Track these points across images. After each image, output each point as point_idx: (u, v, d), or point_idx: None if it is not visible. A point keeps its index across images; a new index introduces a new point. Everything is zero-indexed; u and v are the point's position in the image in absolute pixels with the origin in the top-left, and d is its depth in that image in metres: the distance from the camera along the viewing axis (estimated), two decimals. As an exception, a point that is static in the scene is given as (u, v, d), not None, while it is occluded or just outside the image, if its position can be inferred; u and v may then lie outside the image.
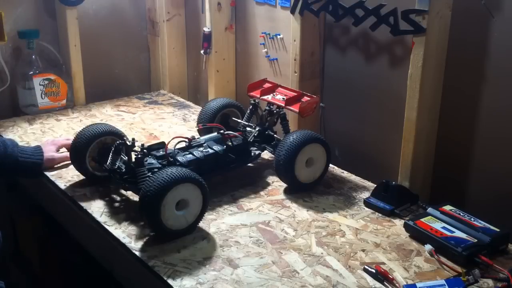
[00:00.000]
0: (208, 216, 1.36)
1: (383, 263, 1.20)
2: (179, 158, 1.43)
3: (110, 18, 2.23)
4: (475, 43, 1.37)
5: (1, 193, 1.98)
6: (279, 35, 1.85)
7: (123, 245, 1.27)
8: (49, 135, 1.85)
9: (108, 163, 1.43)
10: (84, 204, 1.43)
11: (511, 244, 1.27)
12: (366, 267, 1.17)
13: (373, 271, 1.16)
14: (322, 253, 1.24)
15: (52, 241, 1.92)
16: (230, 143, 1.51)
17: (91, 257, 1.47)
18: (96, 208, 1.41)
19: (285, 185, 1.52)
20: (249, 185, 1.54)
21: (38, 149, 1.58)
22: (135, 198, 1.42)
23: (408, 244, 1.28)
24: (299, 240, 1.29)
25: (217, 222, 1.36)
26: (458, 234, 1.25)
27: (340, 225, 1.35)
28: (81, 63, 2.10)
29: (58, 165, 1.62)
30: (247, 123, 1.65)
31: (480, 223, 1.28)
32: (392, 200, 1.41)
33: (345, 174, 1.63)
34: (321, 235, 1.30)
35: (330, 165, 1.58)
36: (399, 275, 1.16)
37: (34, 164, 1.55)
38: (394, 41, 1.52)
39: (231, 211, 1.41)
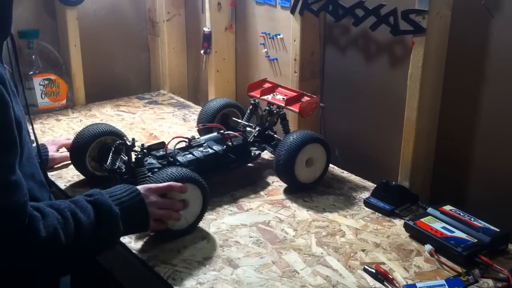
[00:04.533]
0: (208, 216, 1.36)
1: (383, 263, 1.20)
2: (179, 158, 1.43)
3: (110, 18, 2.23)
4: (475, 43, 1.37)
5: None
6: (279, 35, 1.85)
7: (123, 245, 1.26)
8: (49, 135, 1.85)
9: (108, 163, 1.43)
10: (84, 204, 1.43)
11: (511, 244, 1.27)
12: (366, 267, 1.17)
13: (373, 271, 1.16)
14: (322, 253, 1.24)
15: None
16: (230, 143, 1.51)
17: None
18: (96, 208, 1.41)
19: (285, 185, 1.52)
20: (249, 185, 1.53)
21: (43, 148, 1.57)
22: (135, 198, 1.41)
23: (408, 244, 1.28)
24: (299, 240, 1.29)
25: (217, 222, 1.36)
26: (458, 234, 1.25)
27: (340, 225, 1.35)
28: (81, 63, 2.10)
29: (58, 165, 1.62)
30: (247, 123, 1.65)
31: (480, 223, 1.28)
32: (392, 200, 1.41)
33: (345, 174, 1.63)
34: (321, 235, 1.30)
35: (330, 165, 1.58)
36: (399, 275, 1.16)
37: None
38: (394, 41, 1.52)
39: (231, 211, 1.41)
